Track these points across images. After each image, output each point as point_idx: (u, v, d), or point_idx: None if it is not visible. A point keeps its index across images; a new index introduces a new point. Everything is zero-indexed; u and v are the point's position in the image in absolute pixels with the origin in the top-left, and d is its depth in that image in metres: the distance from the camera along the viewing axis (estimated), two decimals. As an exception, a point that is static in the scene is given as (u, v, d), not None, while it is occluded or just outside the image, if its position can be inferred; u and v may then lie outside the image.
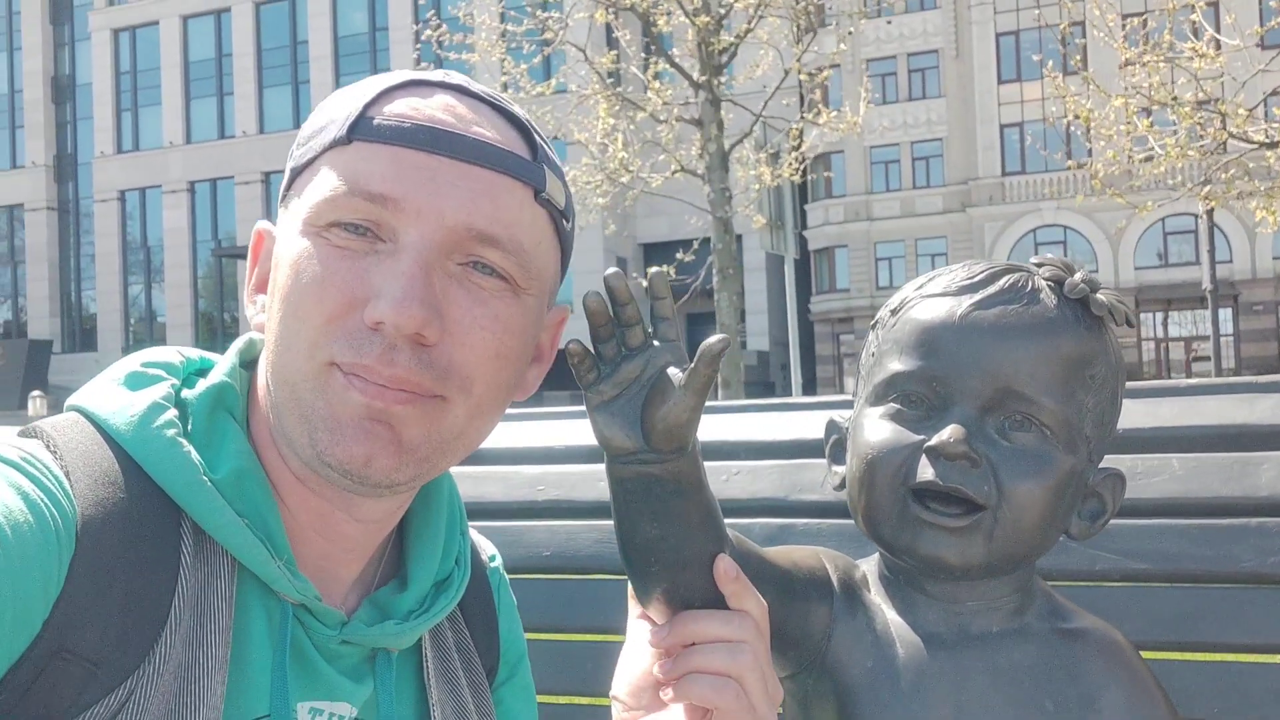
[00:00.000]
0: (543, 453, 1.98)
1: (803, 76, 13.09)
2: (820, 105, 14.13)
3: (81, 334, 48.80)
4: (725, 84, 13.29)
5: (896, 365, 1.09)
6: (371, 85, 0.93)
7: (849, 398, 1.93)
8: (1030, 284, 1.08)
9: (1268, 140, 10.46)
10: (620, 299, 0.92)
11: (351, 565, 0.98)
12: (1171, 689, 1.12)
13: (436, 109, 0.90)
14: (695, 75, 12.64)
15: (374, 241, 0.87)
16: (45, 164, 48.88)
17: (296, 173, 0.94)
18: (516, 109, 0.95)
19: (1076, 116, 11.23)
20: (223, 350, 0.99)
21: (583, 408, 0.95)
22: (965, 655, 1.07)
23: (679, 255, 12.95)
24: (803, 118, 13.98)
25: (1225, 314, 32.33)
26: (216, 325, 45.78)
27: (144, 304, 47.55)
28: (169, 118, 46.28)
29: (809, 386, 36.47)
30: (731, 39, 12.75)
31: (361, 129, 0.89)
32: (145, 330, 46.72)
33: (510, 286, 0.91)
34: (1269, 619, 1.52)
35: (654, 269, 0.95)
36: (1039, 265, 1.11)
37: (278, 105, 45.37)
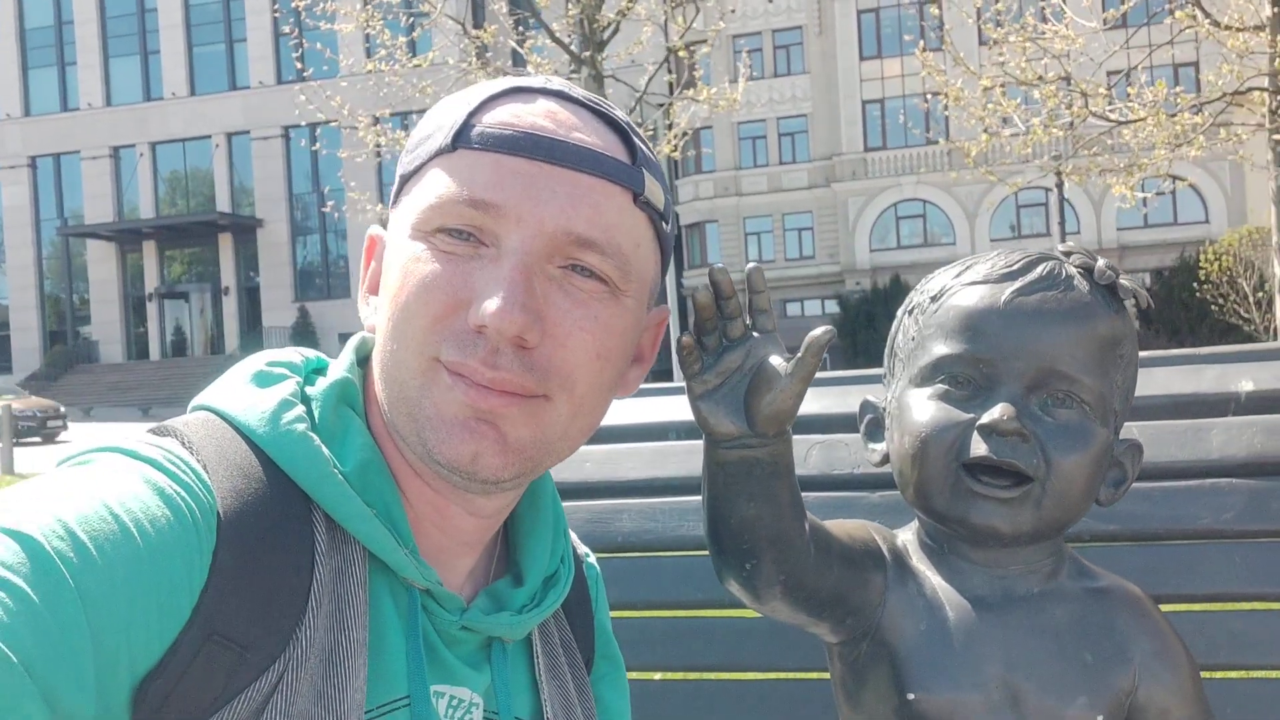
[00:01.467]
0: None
1: (682, 54, 13.22)
2: (697, 81, 14.28)
3: (-84, 319, 45.95)
4: (605, 60, 13.32)
5: (943, 349, 1.16)
6: (476, 93, 0.95)
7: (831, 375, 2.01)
8: (1064, 271, 1.17)
9: (1122, 119, 11.07)
10: (724, 293, 0.97)
11: (466, 557, 1.01)
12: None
13: (538, 115, 0.92)
14: (577, 50, 12.63)
15: (477, 246, 0.90)
16: None
17: (405, 179, 0.96)
18: (618, 113, 0.98)
19: (945, 94, 11.65)
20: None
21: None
22: (1011, 616, 1.16)
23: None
24: (679, 94, 14.11)
25: (1073, 283, 33.80)
26: (65, 308, 43.50)
27: (-16, 286, 44.99)
28: (4, 89, 43.70)
29: (682, 360, 36.76)
30: (614, 16, 12.77)
31: (465, 137, 0.91)
32: (-14, 314, 44.23)
33: (610, 289, 0.93)
34: (1223, 570, 1.66)
35: (751, 264, 1.01)
36: (1066, 254, 1.20)
37: (126, 76, 43.32)
